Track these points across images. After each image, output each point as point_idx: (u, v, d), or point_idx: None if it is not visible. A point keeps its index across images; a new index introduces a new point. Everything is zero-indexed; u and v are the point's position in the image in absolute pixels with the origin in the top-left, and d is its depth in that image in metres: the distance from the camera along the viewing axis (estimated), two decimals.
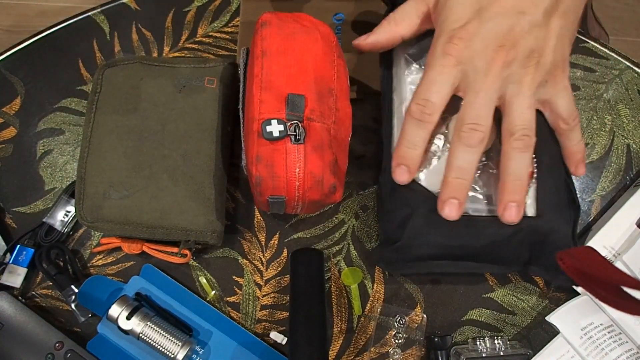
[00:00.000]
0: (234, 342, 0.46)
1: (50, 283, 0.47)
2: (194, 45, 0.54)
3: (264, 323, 0.47)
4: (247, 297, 0.48)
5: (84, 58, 0.54)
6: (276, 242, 0.49)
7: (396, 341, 0.46)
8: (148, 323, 0.43)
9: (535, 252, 0.41)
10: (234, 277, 0.48)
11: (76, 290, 0.46)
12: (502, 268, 0.42)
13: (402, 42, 0.44)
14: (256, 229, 0.49)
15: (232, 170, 0.50)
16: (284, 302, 0.47)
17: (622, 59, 0.53)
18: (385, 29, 0.44)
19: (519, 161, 0.38)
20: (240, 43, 0.51)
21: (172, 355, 0.43)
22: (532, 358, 0.44)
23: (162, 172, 0.44)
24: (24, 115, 0.52)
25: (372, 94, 0.50)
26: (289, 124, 0.37)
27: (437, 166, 0.42)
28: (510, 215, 0.38)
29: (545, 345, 0.44)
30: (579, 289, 0.46)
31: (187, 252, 0.46)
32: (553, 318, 0.45)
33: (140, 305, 0.44)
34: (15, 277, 0.47)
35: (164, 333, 0.43)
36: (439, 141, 0.43)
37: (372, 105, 0.51)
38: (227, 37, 0.54)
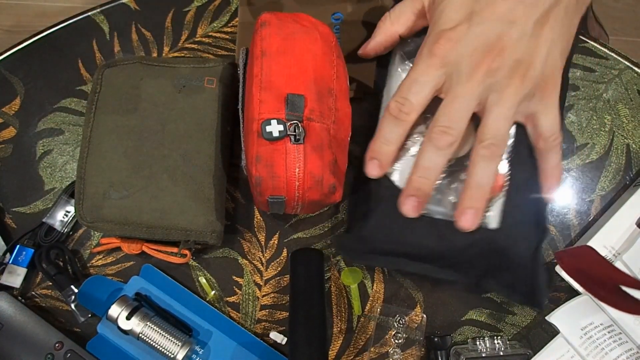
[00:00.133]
0: (233, 342, 0.46)
1: (50, 283, 0.47)
2: (193, 45, 0.54)
3: (263, 323, 0.47)
4: (247, 297, 0.48)
5: (84, 58, 0.54)
6: (276, 242, 0.49)
7: (396, 341, 0.46)
8: (148, 323, 0.43)
9: (492, 266, 0.41)
10: (234, 277, 0.48)
11: (76, 290, 0.46)
12: (458, 276, 0.42)
13: (400, 40, 0.44)
14: (256, 229, 0.49)
15: (232, 170, 0.50)
16: (283, 302, 0.47)
17: (621, 59, 0.53)
18: (382, 29, 0.44)
19: (483, 169, 0.38)
20: (239, 43, 0.51)
21: (172, 355, 0.43)
22: (532, 358, 0.44)
23: (162, 172, 0.44)
24: (23, 115, 0.52)
25: (371, 94, 0.50)
26: (288, 124, 0.37)
27: (411, 163, 0.42)
28: (465, 221, 0.38)
29: (545, 345, 0.44)
30: (580, 289, 0.46)
31: (186, 252, 0.46)
32: (553, 318, 0.45)
33: (140, 305, 0.44)
34: (15, 277, 0.47)
35: (163, 333, 0.43)
36: (418, 139, 0.43)
37: (372, 105, 0.51)
38: (227, 37, 0.54)
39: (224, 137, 0.47)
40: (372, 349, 0.46)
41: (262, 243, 0.49)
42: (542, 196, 0.42)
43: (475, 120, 0.39)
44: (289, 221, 0.49)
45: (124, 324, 0.43)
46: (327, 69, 0.41)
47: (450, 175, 0.42)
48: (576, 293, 0.46)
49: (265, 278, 0.48)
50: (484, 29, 0.37)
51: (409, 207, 0.39)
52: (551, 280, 0.44)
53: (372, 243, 0.42)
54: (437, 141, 0.38)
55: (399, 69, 0.45)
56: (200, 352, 0.45)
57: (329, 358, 0.46)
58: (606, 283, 0.39)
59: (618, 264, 0.45)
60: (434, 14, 0.40)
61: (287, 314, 0.47)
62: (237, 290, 0.48)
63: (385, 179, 0.42)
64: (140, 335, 0.43)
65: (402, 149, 0.42)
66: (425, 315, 0.47)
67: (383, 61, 0.47)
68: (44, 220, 0.48)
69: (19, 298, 0.46)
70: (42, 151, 0.51)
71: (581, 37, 0.54)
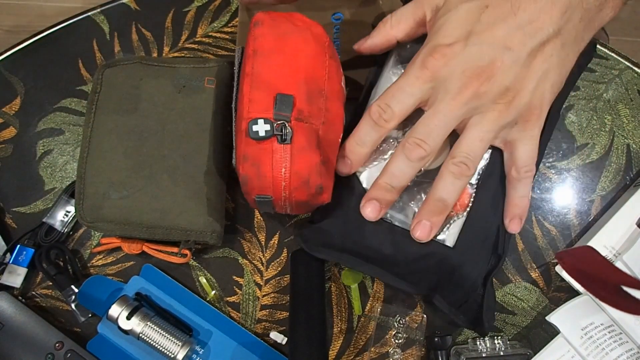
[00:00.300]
0: (234, 342, 0.46)
1: (50, 283, 0.47)
2: (193, 45, 0.54)
3: (264, 323, 0.47)
4: (247, 297, 0.48)
5: (84, 58, 0.54)
6: (276, 242, 0.49)
7: (396, 341, 0.46)
8: (148, 323, 0.43)
9: (442, 282, 0.42)
10: (234, 277, 0.48)
11: (76, 290, 0.46)
12: (409, 286, 0.42)
13: (397, 44, 0.44)
14: (256, 229, 0.49)
15: (232, 170, 0.49)
16: (284, 302, 0.47)
17: (622, 59, 0.53)
18: (381, 31, 0.44)
19: (448, 185, 0.38)
20: (239, 44, 0.51)
21: (172, 355, 0.43)
22: (532, 358, 0.44)
23: (162, 172, 0.44)
24: (23, 115, 0.52)
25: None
26: (276, 123, 0.37)
27: (382, 166, 0.42)
28: (421, 232, 0.39)
29: (545, 345, 0.44)
30: (580, 289, 0.46)
31: (187, 252, 0.46)
32: (553, 318, 0.45)
33: (140, 305, 0.44)
34: (15, 277, 0.47)
35: (164, 333, 0.43)
36: (394, 145, 0.43)
37: (361, 101, 0.51)
38: (227, 37, 0.54)
39: (224, 137, 0.47)
40: (372, 349, 0.46)
41: (263, 243, 0.49)
42: (504, 224, 0.42)
43: (453, 135, 0.39)
44: (289, 221, 0.49)
45: (124, 324, 0.43)
46: (318, 69, 0.41)
47: (417, 185, 0.43)
48: (576, 293, 0.46)
49: (266, 278, 0.48)
50: (479, 51, 0.37)
51: (369, 210, 0.39)
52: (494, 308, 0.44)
53: (330, 237, 0.42)
54: (409, 152, 0.38)
55: (391, 72, 0.45)
56: (201, 352, 0.45)
57: (329, 358, 0.46)
58: (607, 283, 0.39)
59: (618, 264, 0.45)
60: (433, 26, 0.40)
61: (288, 314, 0.47)
62: (238, 290, 0.48)
63: (354, 176, 0.42)
64: (141, 335, 0.43)
65: (377, 150, 0.43)
66: (425, 315, 0.47)
67: (381, 59, 0.47)
68: (44, 220, 0.48)
69: (20, 298, 0.46)
70: (42, 151, 0.51)
71: None
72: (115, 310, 0.43)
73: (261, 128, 0.37)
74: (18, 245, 0.47)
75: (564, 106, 0.49)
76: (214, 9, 0.55)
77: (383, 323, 0.47)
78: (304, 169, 0.38)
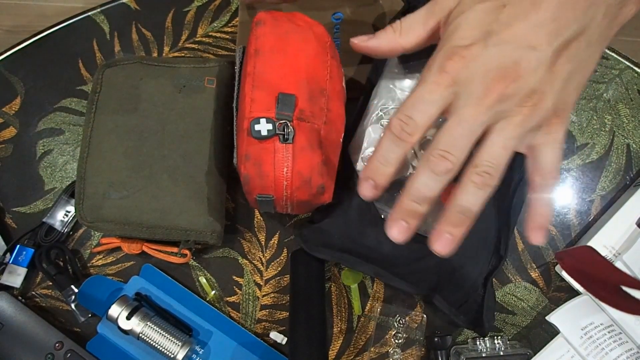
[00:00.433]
0: (234, 342, 0.46)
1: (50, 283, 0.47)
2: (194, 45, 0.54)
3: (264, 323, 0.47)
4: (247, 297, 0.48)
5: (84, 58, 0.54)
6: (276, 242, 0.49)
7: (396, 341, 0.46)
8: (148, 323, 0.43)
9: (442, 282, 0.42)
10: (234, 277, 0.48)
11: (76, 290, 0.46)
12: (409, 286, 0.42)
13: (403, 53, 0.41)
14: (256, 229, 0.49)
15: (232, 170, 0.49)
16: (284, 302, 0.47)
17: (622, 59, 0.53)
18: (388, 36, 0.41)
19: (471, 195, 0.35)
20: (239, 43, 0.51)
21: (172, 355, 0.43)
22: (532, 358, 0.44)
23: (162, 172, 0.44)
24: (24, 115, 0.52)
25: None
26: (278, 123, 0.37)
27: None
28: (441, 246, 0.36)
29: (545, 345, 0.44)
30: (580, 289, 0.46)
31: (187, 252, 0.46)
32: (553, 318, 0.45)
33: (140, 305, 0.44)
34: (15, 277, 0.47)
35: (163, 333, 0.43)
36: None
37: (361, 101, 0.51)
38: (227, 37, 0.54)
39: (224, 137, 0.47)
40: (372, 349, 0.46)
41: (262, 243, 0.49)
42: (509, 227, 0.42)
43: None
44: (289, 221, 0.49)
45: (124, 324, 0.43)
46: (320, 69, 0.41)
47: None
48: (576, 293, 0.46)
49: (266, 278, 0.48)
50: (501, 51, 0.34)
51: (396, 233, 0.36)
52: (495, 309, 0.44)
53: (330, 237, 0.42)
54: (434, 165, 0.35)
55: (392, 72, 0.44)
56: (200, 352, 0.45)
57: (329, 358, 0.46)
58: (606, 283, 0.39)
59: (618, 264, 0.45)
60: (448, 29, 0.37)
61: (287, 314, 0.47)
62: (237, 290, 0.48)
63: (354, 175, 0.42)
64: (141, 335, 0.43)
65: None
66: (425, 315, 0.47)
67: (380, 59, 0.47)
68: (44, 220, 0.48)
69: (19, 298, 0.46)
70: (42, 151, 0.51)
71: None
72: (115, 310, 0.43)
73: (263, 127, 0.37)
74: (18, 245, 0.47)
75: None
76: (214, 9, 0.55)
77: (383, 323, 0.47)
78: (306, 168, 0.38)
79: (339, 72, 0.43)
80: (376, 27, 0.51)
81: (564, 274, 0.46)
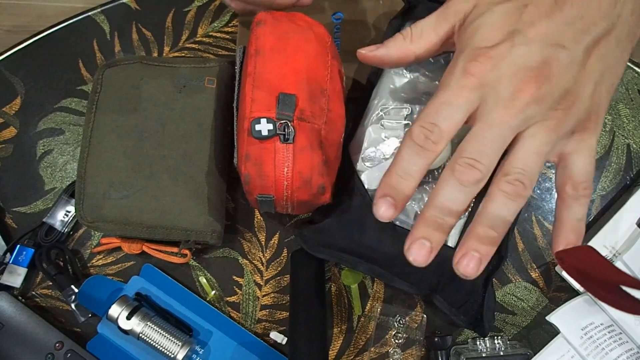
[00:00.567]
0: (234, 342, 0.46)
1: (50, 283, 0.47)
2: (194, 45, 0.54)
3: (264, 323, 0.47)
4: (247, 297, 0.48)
5: (84, 58, 0.54)
6: (276, 242, 0.49)
7: (396, 341, 0.46)
8: (148, 323, 0.43)
9: (442, 282, 0.41)
10: (234, 277, 0.48)
11: (76, 290, 0.46)
12: (409, 286, 0.42)
13: (414, 62, 0.39)
14: (256, 229, 0.49)
15: (232, 170, 0.49)
16: (284, 302, 0.47)
17: None
18: (399, 44, 0.38)
19: (502, 207, 0.32)
20: (240, 43, 0.51)
21: (172, 355, 0.43)
22: (532, 358, 0.44)
23: (162, 172, 0.44)
24: (24, 115, 0.52)
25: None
26: (278, 123, 0.37)
27: (383, 165, 0.41)
28: (466, 266, 0.32)
29: (545, 345, 0.44)
30: (580, 289, 0.46)
31: (187, 252, 0.46)
32: (553, 318, 0.45)
33: (140, 305, 0.44)
34: (15, 277, 0.47)
35: (163, 333, 0.43)
36: (398, 143, 0.42)
37: (361, 101, 0.51)
38: (228, 37, 0.54)
39: (224, 137, 0.47)
40: (372, 349, 0.46)
41: (263, 243, 0.49)
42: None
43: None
44: (289, 221, 0.49)
45: (124, 324, 0.43)
46: (320, 69, 0.41)
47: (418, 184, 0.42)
48: (576, 293, 0.46)
49: (266, 278, 0.48)
50: (529, 50, 0.32)
51: (417, 252, 0.32)
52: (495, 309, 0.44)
53: (330, 237, 0.42)
54: (461, 175, 0.31)
55: (392, 71, 0.44)
56: (201, 352, 0.45)
57: (329, 358, 0.46)
58: (606, 283, 0.38)
59: (618, 264, 0.45)
60: (465, 32, 0.34)
61: (288, 314, 0.47)
62: (238, 290, 0.48)
63: (355, 175, 0.42)
64: (141, 335, 0.43)
65: (377, 149, 0.42)
66: (425, 315, 0.47)
67: None
68: (44, 220, 0.48)
69: (19, 298, 0.46)
70: (43, 151, 0.51)
71: None
72: (115, 310, 0.43)
73: (264, 127, 0.37)
74: (18, 245, 0.47)
75: None
76: (215, 9, 0.55)
77: (383, 323, 0.47)
78: (306, 168, 0.38)
79: (339, 72, 0.43)
80: (376, 27, 0.51)
81: (564, 274, 0.46)
